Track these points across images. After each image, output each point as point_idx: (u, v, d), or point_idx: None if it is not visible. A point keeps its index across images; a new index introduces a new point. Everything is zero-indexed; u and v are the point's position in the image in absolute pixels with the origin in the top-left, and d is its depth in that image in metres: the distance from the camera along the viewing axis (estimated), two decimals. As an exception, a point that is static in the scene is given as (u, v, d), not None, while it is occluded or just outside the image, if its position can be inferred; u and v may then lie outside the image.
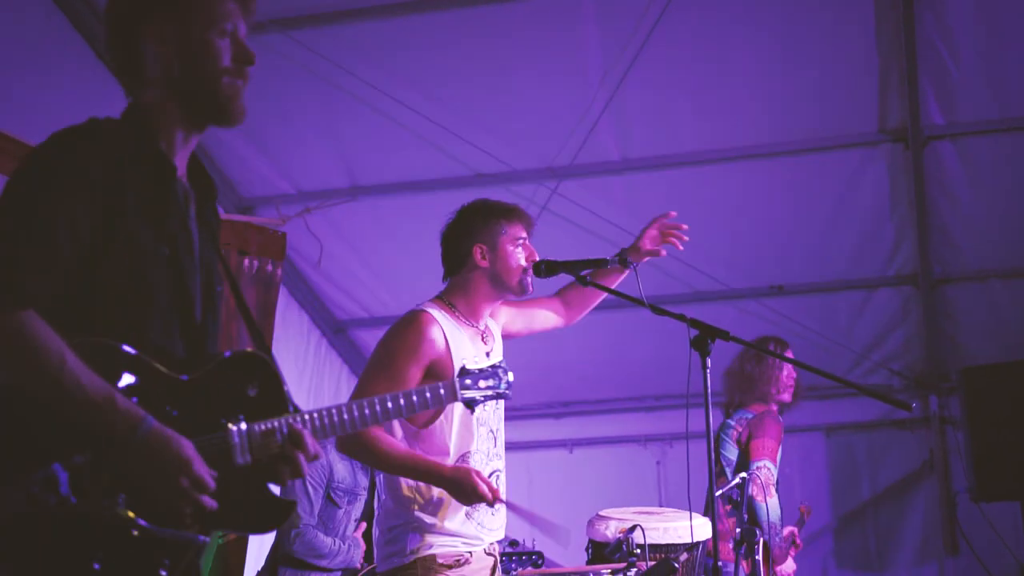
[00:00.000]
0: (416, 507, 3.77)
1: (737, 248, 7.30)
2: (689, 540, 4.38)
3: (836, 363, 7.58)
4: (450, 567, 3.74)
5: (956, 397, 7.40)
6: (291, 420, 2.52)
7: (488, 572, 3.90)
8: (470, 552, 3.79)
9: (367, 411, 2.78)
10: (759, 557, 4.58)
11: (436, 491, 3.76)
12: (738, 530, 4.63)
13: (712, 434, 5.80)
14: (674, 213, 4.29)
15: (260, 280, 6.40)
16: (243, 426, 2.47)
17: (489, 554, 3.91)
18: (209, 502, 2.35)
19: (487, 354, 3.98)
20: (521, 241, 4.00)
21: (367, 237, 7.56)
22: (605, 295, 4.27)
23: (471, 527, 3.80)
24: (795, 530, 6.28)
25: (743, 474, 4.89)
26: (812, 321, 7.42)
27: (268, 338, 6.42)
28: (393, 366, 3.76)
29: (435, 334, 3.79)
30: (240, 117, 2.61)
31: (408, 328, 3.81)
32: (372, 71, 6.39)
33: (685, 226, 4.27)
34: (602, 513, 4.81)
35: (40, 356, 2.22)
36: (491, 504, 3.68)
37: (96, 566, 2.24)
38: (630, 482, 8.04)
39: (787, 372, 6.11)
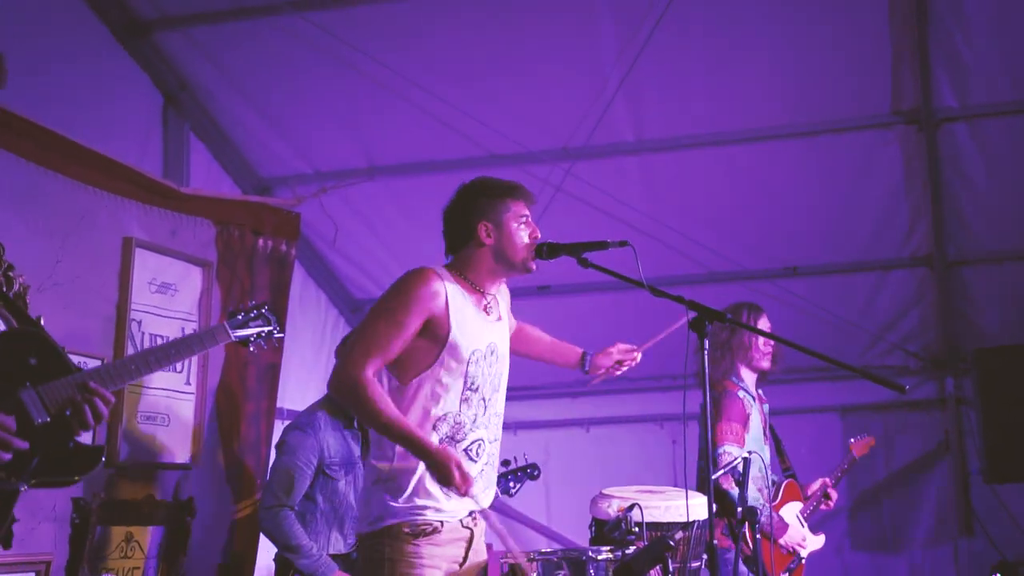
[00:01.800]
0: (388, 467, 3.82)
1: (751, 229, 7.32)
2: (686, 519, 4.44)
3: (851, 344, 7.60)
4: (416, 536, 3.77)
5: (970, 378, 7.40)
6: (75, 376, 2.90)
7: (463, 544, 3.91)
8: (440, 522, 3.81)
9: (151, 358, 3.24)
10: (759, 536, 4.60)
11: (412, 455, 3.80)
12: (739, 509, 4.66)
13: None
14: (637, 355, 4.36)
15: (274, 260, 6.46)
16: (31, 390, 2.84)
17: (465, 527, 3.92)
18: (18, 442, 2.72)
19: (494, 323, 4.03)
20: (524, 219, 4.01)
21: (384, 216, 7.63)
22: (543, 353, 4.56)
23: (444, 498, 3.81)
24: (828, 480, 6.32)
25: (745, 454, 4.90)
26: (827, 302, 7.43)
27: (282, 316, 6.50)
28: (394, 313, 3.80)
29: (438, 288, 3.83)
30: None
31: (414, 279, 3.85)
32: (387, 52, 6.45)
33: (638, 357, 4.33)
34: (605, 491, 4.86)
35: None
36: (460, 494, 3.71)
37: None
38: (647, 462, 8.06)
39: (763, 339, 5.92)
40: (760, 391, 6.25)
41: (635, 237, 4.15)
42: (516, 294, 7.40)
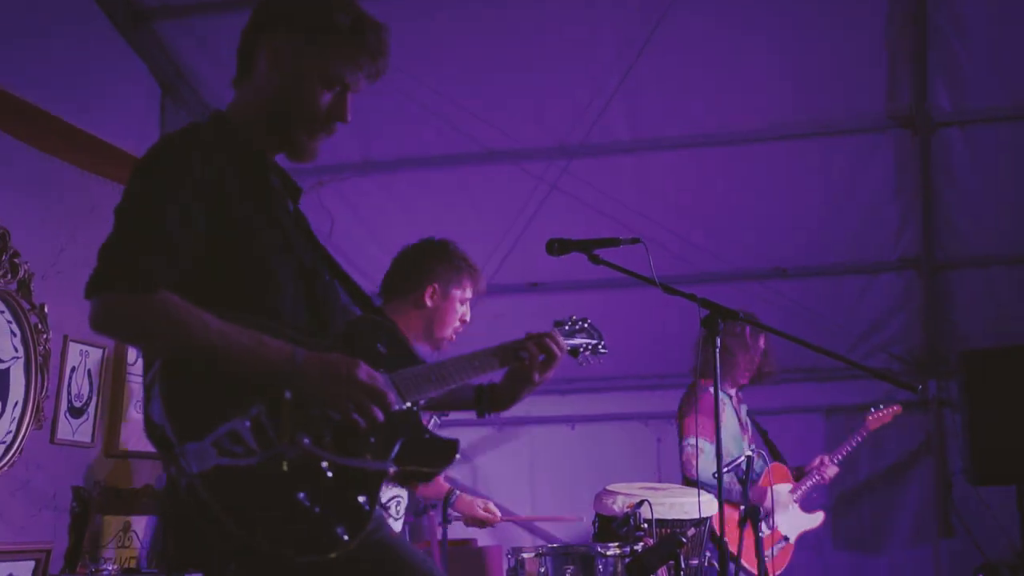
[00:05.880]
0: None
1: (741, 229, 7.34)
2: (696, 516, 4.47)
3: (836, 345, 7.45)
4: None
5: (955, 381, 7.46)
6: (430, 367, 2.76)
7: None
8: None
9: (476, 362, 2.98)
10: (762, 534, 4.64)
11: None
12: (742, 507, 4.69)
13: (724, 411, 5.94)
14: None
15: (272, 252, 6.44)
16: (387, 375, 2.64)
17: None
18: (393, 396, 2.56)
19: None
20: (467, 303, 4.12)
21: (378, 211, 7.59)
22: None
23: None
24: (825, 458, 6.65)
25: (748, 452, 4.94)
26: (814, 303, 7.47)
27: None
28: None
29: None
30: (309, 159, 2.79)
31: None
32: (385, 46, 6.42)
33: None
34: (609, 488, 4.89)
35: (185, 325, 2.42)
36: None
37: (301, 496, 2.40)
38: (631, 459, 8.06)
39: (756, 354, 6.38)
40: (739, 392, 6.39)
41: (625, 235, 4.18)
42: (505, 291, 7.48)
